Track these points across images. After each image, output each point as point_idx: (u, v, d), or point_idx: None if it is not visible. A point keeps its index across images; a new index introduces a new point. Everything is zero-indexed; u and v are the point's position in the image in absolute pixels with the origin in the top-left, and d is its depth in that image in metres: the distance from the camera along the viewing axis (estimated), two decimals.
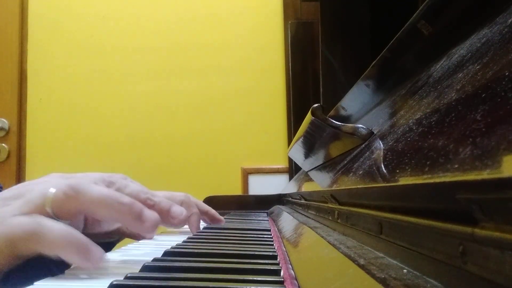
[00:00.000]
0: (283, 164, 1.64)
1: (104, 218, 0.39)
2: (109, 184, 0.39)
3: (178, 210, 0.41)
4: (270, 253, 0.41)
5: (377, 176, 0.25)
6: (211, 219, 0.73)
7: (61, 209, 0.36)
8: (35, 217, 0.33)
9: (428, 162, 0.17)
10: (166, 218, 0.39)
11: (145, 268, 0.35)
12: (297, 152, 0.74)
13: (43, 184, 0.37)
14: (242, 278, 0.31)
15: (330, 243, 0.31)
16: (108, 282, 0.29)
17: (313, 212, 0.55)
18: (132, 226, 0.37)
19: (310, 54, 1.53)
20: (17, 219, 0.33)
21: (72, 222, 0.40)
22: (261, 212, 1.11)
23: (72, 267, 0.41)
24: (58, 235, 0.32)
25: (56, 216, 0.36)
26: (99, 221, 0.48)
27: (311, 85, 1.51)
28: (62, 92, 1.73)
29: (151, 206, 0.39)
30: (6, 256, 0.33)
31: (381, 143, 0.32)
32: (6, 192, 0.37)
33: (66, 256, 0.32)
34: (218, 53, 1.71)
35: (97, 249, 0.33)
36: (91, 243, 0.33)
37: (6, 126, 1.69)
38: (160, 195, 0.68)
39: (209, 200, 1.22)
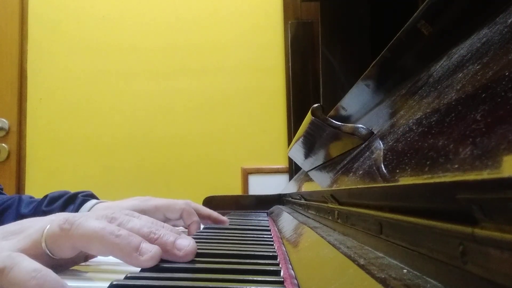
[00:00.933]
0: (283, 164, 1.64)
1: (98, 253, 0.37)
2: (111, 220, 0.37)
3: (184, 242, 0.38)
4: (270, 253, 0.41)
5: (377, 176, 0.25)
6: (214, 221, 0.73)
7: (54, 244, 0.35)
8: (14, 255, 0.32)
9: (428, 162, 0.17)
10: (172, 251, 0.37)
11: (145, 268, 0.35)
12: (297, 152, 0.74)
13: (45, 220, 0.37)
14: (242, 278, 0.31)
15: (330, 243, 0.31)
16: (108, 282, 0.29)
17: (313, 212, 0.55)
18: (129, 260, 0.35)
19: (310, 54, 1.53)
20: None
21: (73, 259, 0.39)
22: (261, 212, 1.11)
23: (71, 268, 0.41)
24: (25, 273, 0.31)
25: (51, 252, 0.35)
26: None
27: (311, 85, 1.51)
28: (62, 92, 1.73)
29: (155, 240, 0.37)
30: None
31: (381, 143, 0.32)
32: (11, 226, 0.37)
33: None
34: (218, 53, 1.71)
35: None
36: (62, 283, 0.31)
37: (6, 126, 1.69)
38: (161, 203, 0.68)
39: (209, 200, 1.22)
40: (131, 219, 0.38)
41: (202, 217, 0.73)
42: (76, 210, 0.70)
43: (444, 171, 0.15)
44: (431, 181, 0.16)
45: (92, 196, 0.76)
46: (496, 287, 0.12)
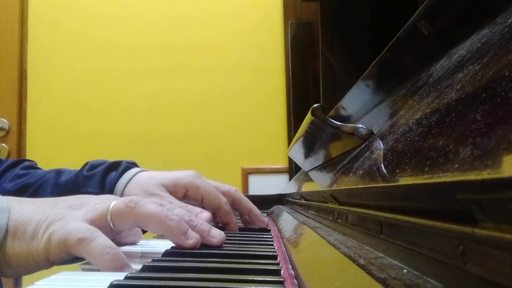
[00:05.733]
0: (283, 164, 1.63)
1: (153, 231, 0.44)
2: (161, 206, 0.43)
3: (217, 232, 0.46)
4: (270, 253, 0.41)
5: (377, 176, 0.25)
6: (254, 220, 0.68)
7: (119, 217, 0.41)
8: (93, 229, 0.39)
9: (428, 162, 0.17)
10: (207, 237, 0.45)
11: (145, 268, 0.35)
12: (297, 152, 0.74)
13: (105, 199, 0.44)
14: (242, 278, 0.31)
15: (330, 243, 0.31)
16: (107, 282, 0.29)
17: (313, 212, 0.55)
18: (177, 241, 0.43)
19: (310, 54, 1.53)
20: (78, 224, 0.39)
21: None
22: (261, 212, 1.11)
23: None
24: (101, 248, 0.37)
25: (113, 224, 0.41)
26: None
27: (311, 85, 1.51)
28: (62, 91, 1.73)
29: (194, 227, 0.44)
30: (61, 252, 0.39)
31: (381, 143, 0.32)
32: (70, 199, 0.44)
33: (102, 270, 0.37)
34: (218, 53, 1.71)
35: (130, 269, 0.38)
36: (127, 262, 0.38)
37: (6, 126, 1.69)
38: (212, 185, 0.66)
39: None
40: (175, 207, 0.45)
41: (243, 211, 0.68)
42: (119, 176, 0.66)
43: (444, 171, 0.15)
44: (431, 181, 0.16)
45: (135, 165, 0.71)
46: (496, 287, 0.12)
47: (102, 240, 0.38)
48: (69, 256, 0.39)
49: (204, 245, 0.44)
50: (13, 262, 0.40)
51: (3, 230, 0.39)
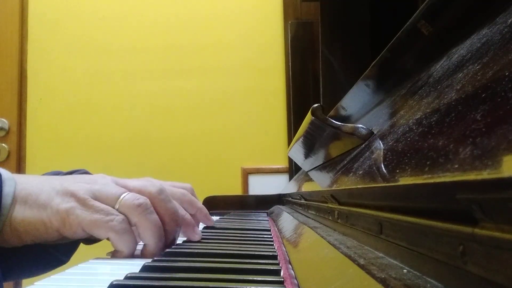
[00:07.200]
0: (283, 164, 1.63)
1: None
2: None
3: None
4: (270, 253, 0.41)
5: (377, 176, 0.25)
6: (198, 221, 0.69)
7: (127, 211, 0.43)
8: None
9: (428, 162, 0.17)
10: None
11: (145, 268, 0.35)
12: (297, 152, 0.74)
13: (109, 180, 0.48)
14: (242, 278, 0.31)
15: (330, 243, 0.31)
16: (107, 282, 0.29)
17: (313, 212, 0.55)
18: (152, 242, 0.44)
19: (310, 54, 1.53)
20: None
21: None
22: (261, 212, 1.11)
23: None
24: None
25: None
26: None
27: (311, 85, 1.51)
28: (62, 92, 1.73)
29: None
30: (78, 229, 0.40)
31: (381, 143, 0.32)
32: (77, 178, 0.48)
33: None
34: (218, 53, 1.71)
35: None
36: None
37: (6, 126, 1.69)
38: (167, 184, 0.66)
39: (210, 200, 1.22)
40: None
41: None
42: None
43: (444, 171, 0.15)
44: (431, 181, 0.16)
45: (87, 173, 0.73)
46: (496, 287, 0.12)
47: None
48: (84, 235, 0.41)
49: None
50: (20, 229, 0.40)
51: (10, 197, 0.40)
